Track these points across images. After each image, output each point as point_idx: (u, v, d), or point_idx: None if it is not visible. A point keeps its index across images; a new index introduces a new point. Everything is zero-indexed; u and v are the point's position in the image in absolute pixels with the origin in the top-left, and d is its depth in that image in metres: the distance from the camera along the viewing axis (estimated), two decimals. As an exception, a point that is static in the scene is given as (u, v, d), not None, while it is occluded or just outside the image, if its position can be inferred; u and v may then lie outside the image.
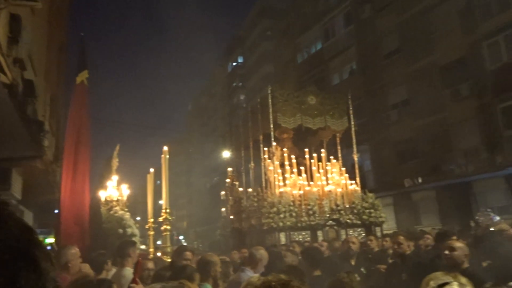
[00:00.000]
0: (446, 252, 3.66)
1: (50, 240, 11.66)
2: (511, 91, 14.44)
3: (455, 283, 1.85)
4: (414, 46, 17.94)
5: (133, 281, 2.34)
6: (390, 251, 5.84)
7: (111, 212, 6.82)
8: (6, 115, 5.77)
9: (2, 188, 7.59)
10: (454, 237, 5.31)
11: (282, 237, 9.08)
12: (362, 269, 5.55)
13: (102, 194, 7.15)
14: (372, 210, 10.04)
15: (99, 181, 7.98)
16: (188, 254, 4.24)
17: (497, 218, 7.02)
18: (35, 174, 9.03)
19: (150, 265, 4.61)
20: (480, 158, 15.54)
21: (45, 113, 10.65)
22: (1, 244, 0.58)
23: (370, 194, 10.53)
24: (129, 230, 6.55)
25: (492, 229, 6.19)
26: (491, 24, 15.01)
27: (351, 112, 11.37)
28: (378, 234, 9.57)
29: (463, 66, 16.16)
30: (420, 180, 17.23)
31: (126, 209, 7.02)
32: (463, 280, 1.83)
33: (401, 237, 4.78)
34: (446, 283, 1.71)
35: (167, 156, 6.63)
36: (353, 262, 5.75)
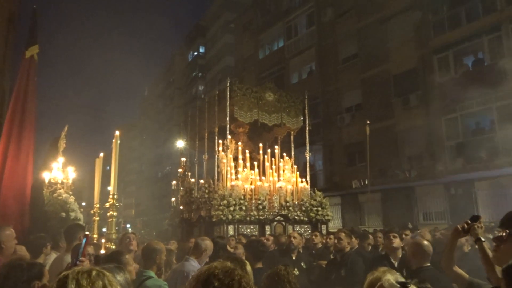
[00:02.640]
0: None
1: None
2: (455, 105, 15.37)
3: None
4: (370, 53, 18.60)
5: (82, 255, 2.30)
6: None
7: (55, 194, 6.55)
8: None
9: None
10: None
11: (231, 230, 9.14)
12: (302, 264, 5.72)
13: (46, 176, 6.84)
14: (319, 208, 10.33)
15: (43, 161, 7.63)
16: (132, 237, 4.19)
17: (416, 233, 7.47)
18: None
19: (90, 250, 4.49)
20: (422, 165, 16.43)
21: (-12, 86, 10.00)
22: None
23: (319, 193, 10.83)
24: (72, 214, 6.32)
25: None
26: (443, 40, 15.86)
27: (306, 111, 11.60)
28: (324, 232, 9.87)
29: (414, 76, 16.98)
30: (366, 182, 17.95)
31: (70, 193, 6.77)
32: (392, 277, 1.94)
33: (343, 234, 4.99)
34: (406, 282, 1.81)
35: (119, 141, 6.46)
36: (294, 257, 5.91)
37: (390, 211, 17.09)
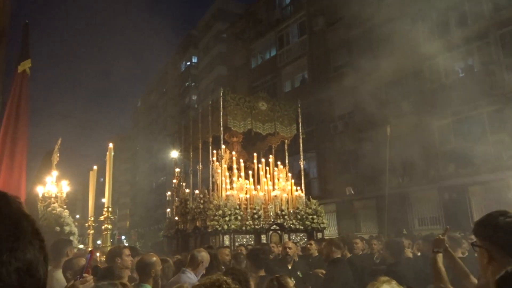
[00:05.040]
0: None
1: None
2: (446, 111, 15.53)
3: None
4: (361, 61, 18.77)
5: (85, 271, 2.30)
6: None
7: (49, 209, 6.51)
8: None
9: None
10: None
11: (227, 240, 9.11)
12: (298, 273, 5.73)
13: (40, 190, 6.80)
14: (315, 216, 10.34)
15: (36, 175, 7.58)
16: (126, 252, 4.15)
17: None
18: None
19: (83, 262, 4.45)
20: (416, 171, 16.52)
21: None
22: None
23: (314, 201, 10.85)
24: (66, 228, 6.28)
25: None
26: (432, 46, 16.07)
27: (300, 120, 11.67)
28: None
29: (406, 83, 17.15)
30: (360, 189, 18.01)
31: (65, 207, 6.73)
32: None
33: (312, 242, 5.07)
34: None
35: (112, 154, 6.46)
36: (289, 266, 5.91)
37: (384, 218, 17.13)
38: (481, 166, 14.11)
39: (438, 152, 15.97)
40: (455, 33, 15.63)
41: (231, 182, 10.11)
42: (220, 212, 9.21)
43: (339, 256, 5.02)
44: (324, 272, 5.59)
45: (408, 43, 17.10)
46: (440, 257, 2.63)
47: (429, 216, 16.46)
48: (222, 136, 10.32)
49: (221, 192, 9.84)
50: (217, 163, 10.64)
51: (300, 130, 11.63)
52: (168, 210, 14.33)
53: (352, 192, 18.27)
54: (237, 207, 9.50)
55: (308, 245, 7.33)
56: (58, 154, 7.39)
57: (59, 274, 3.81)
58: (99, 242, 14.39)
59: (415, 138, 16.60)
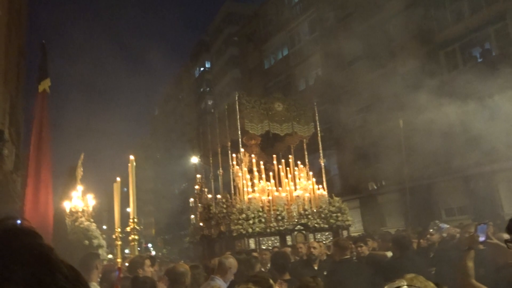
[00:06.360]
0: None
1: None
2: (467, 97, 15.17)
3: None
4: (375, 53, 18.54)
5: (115, 287, 2.34)
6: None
7: (76, 223, 6.65)
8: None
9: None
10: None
11: (252, 243, 9.12)
12: (325, 273, 5.67)
13: (67, 205, 6.95)
14: (339, 214, 10.26)
15: (62, 191, 7.76)
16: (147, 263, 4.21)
17: (445, 226, 7.57)
18: (-6, 184, 8.68)
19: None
20: (440, 161, 16.21)
21: (5, 121, 10.26)
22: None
23: (337, 198, 10.76)
24: (95, 241, 6.40)
25: (444, 234, 6.62)
26: (447, 34, 15.76)
27: (317, 118, 11.60)
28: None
29: (423, 72, 16.85)
30: (383, 183, 17.77)
31: (91, 220, 6.86)
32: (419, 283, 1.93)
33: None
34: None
35: (134, 164, 6.54)
36: (315, 267, 5.85)
37: (410, 211, 16.85)
38: (508, 152, 13.74)
39: (462, 140, 15.62)
40: (471, 17, 15.28)
41: (253, 185, 10.12)
42: (244, 215, 9.24)
43: (347, 256, 4.95)
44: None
45: (421, 32, 16.81)
46: (471, 254, 2.59)
47: (456, 207, 16.12)
48: (240, 139, 10.34)
49: (243, 196, 9.87)
50: (237, 166, 10.67)
51: (318, 128, 11.55)
52: (192, 216, 14.44)
53: (375, 187, 18.05)
54: (260, 209, 9.50)
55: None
56: (82, 169, 7.54)
57: (92, 287, 3.90)
58: (127, 251, 14.62)
59: (437, 127, 16.29)
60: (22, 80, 14.79)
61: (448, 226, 7.70)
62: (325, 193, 10.75)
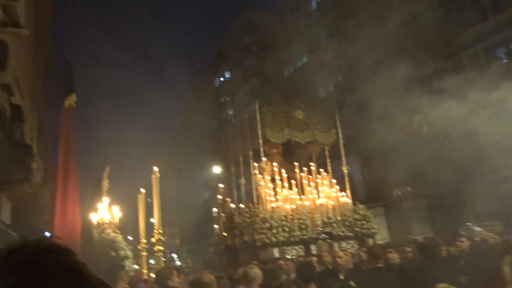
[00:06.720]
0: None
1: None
2: (492, 99, 14.77)
3: None
4: (396, 57, 18.30)
5: None
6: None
7: (103, 235, 6.77)
8: (-6, 141, 5.75)
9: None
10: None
11: (276, 253, 9.06)
12: (351, 283, 5.56)
13: (93, 217, 7.09)
14: (364, 222, 10.10)
15: (89, 203, 7.92)
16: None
17: (478, 229, 7.34)
18: (23, 197, 8.94)
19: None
20: (466, 165, 15.78)
21: (33, 136, 10.59)
22: None
23: (361, 206, 10.60)
24: (121, 253, 6.49)
25: (477, 238, 6.41)
26: (470, 35, 15.45)
27: (338, 124, 11.50)
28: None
29: (445, 75, 16.52)
30: (409, 189, 17.41)
31: (118, 231, 6.97)
32: None
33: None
34: None
35: (158, 175, 6.62)
36: (341, 276, 5.75)
37: (437, 216, 16.44)
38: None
39: (489, 143, 15.18)
40: (494, 17, 14.95)
41: (275, 194, 10.09)
42: (267, 224, 9.19)
43: (380, 265, 4.83)
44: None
45: (442, 35, 16.53)
46: (507, 258, 2.50)
47: (485, 212, 15.62)
48: (261, 148, 10.34)
49: (266, 205, 9.83)
50: (259, 175, 10.66)
51: (340, 135, 11.45)
52: (216, 226, 14.48)
53: (400, 193, 17.69)
54: (284, 218, 9.44)
55: (361, 253, 7.13)
56: (108, 181, 7.68)
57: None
58: (152, 261, 14.74)
59: (463, 131, 15.91)
60: (48, 95, 15.25)
61: (480, 229, 7.47)
62: (349, 200, 10.61)
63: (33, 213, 10.59)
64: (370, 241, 10.03)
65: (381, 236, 16.92)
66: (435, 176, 16.55)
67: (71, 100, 6.92)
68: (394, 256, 5.77)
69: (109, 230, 6.78)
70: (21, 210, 9.33)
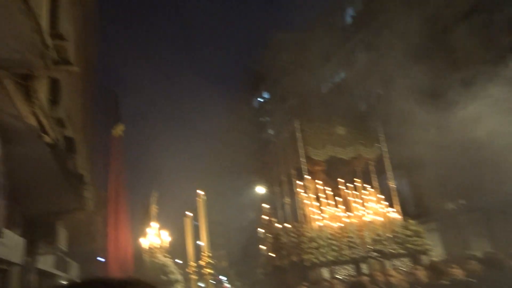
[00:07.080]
0: None
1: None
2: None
3: None
4: (437, 66, 17.74)
5: None
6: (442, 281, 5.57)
7: (154, 259, 6.91)
8: (49, 172, 6.10)
9: (47, 241, 7.87)
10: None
11: (326, 273, 8.84)
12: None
13: (143, 242, 7.27)
14: (416, 238, 9.68)
15: (138, 228, 8.15)
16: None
17: None
18: (78, 225, 9.34)
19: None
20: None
21: (85, 165, 11.12)
22: None
23: (412, 222, 10.18)
24: (172, 277, 6.59)
25: None
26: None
27: (382, 138, 11.23)
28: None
29: (491, 80, 15.79)
30: (464, 202, 16.53)
31: (168, 255, 7.10)
32: None
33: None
34: None
35: (204, 198, 6.73)
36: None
37: (498, 230, 15.42)
38: None
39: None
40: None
41: (321, 212, 9.92)
42: (314, 244, 9.03)
43: (445, 282, 4.58)
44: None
45: (485, 39, 15.91)
46: None
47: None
48: (304, 166, 10.26)
49: (313, 223, 9.68)
50: (304, 194, 10.54)
51: (385, 149, 11.16)
52: (263, 247, 14.37)
53: (455, 207, 16.81)
54: (331, 236, 9.24)
55: (414, 271, 6.82)
56: (156, 206, 7.89)
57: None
58: (201, 284, 14.83)
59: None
60: (96, 125, 16.02)
61: None
62: (398, 216, 10.24)
63: (87, 240, 11.02)
64: (424, 258, 9.56)
65: (436, 252, 16.10)
66: (492, 187, 15.64)
67: (118, 129, 7.25)
68: (458, 272, 5.45)
69: (159, 255, 6.93)
70: (76, 237, 9.74)
